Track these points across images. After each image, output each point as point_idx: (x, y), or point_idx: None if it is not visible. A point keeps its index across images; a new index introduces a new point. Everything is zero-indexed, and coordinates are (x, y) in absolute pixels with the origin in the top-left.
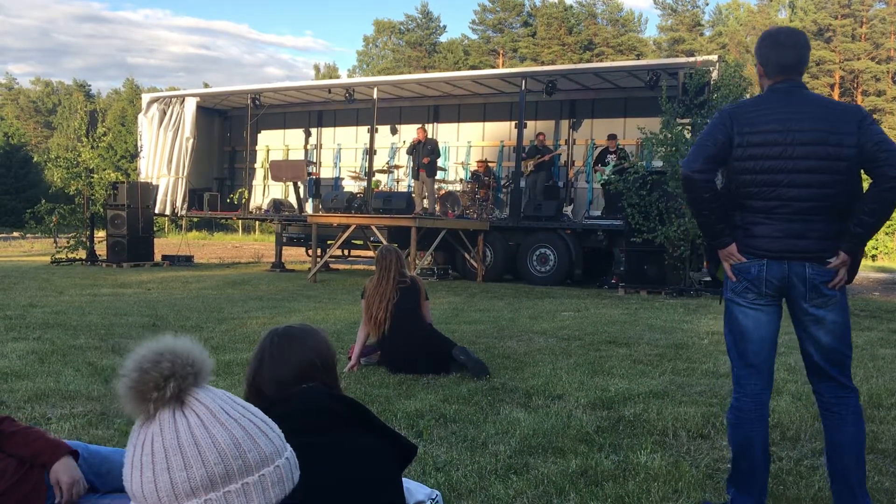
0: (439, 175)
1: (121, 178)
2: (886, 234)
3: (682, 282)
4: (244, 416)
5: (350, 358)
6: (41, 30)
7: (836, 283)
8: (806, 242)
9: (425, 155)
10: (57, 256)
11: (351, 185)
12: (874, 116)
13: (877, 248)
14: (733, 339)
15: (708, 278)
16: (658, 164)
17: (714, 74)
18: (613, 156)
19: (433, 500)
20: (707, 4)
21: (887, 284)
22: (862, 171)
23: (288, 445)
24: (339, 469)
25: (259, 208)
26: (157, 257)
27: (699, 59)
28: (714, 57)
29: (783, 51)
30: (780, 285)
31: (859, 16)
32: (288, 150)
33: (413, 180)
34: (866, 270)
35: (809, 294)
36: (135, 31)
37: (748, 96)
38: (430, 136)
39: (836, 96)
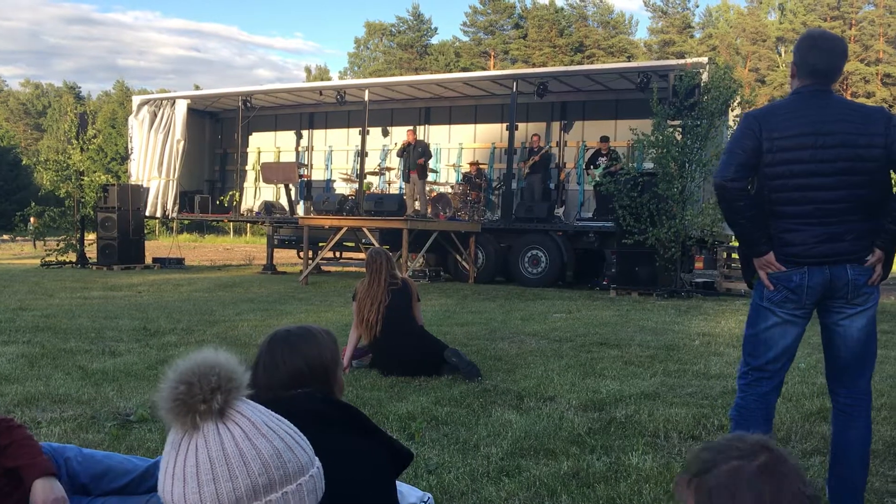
0: (431, 177)
1: (111, 180)
2: None
3: (674, 283)
4: (282, 428)
5: (342, 360)
6: (30, 32)
7: (874, 280)
8: (844, 244)
9: (417, 157)
10: (47, 259)
11: (342, 187)
12: None
13: None
14: (755, 343)
15: (699, 279)
16: (649, 165)
17: (704, 76)
18: (605, 158)
19: (425, 502)
20: (697, 7)
21: (882, 285)
22: (892, 171)
23: (316, 457)
24: (333, 474)
25: (250, 210)
26: (148, 260)
27: (689, 61)
28: (704, 59)
29: (820, 55)
30: (822, 291)
31: (848, 18)
32: (279, 152)
33: (404, 182)
34: None
35: (851, 294)
36: (124, 33)
37: (738, 98)
38: (420, 138)
39: None
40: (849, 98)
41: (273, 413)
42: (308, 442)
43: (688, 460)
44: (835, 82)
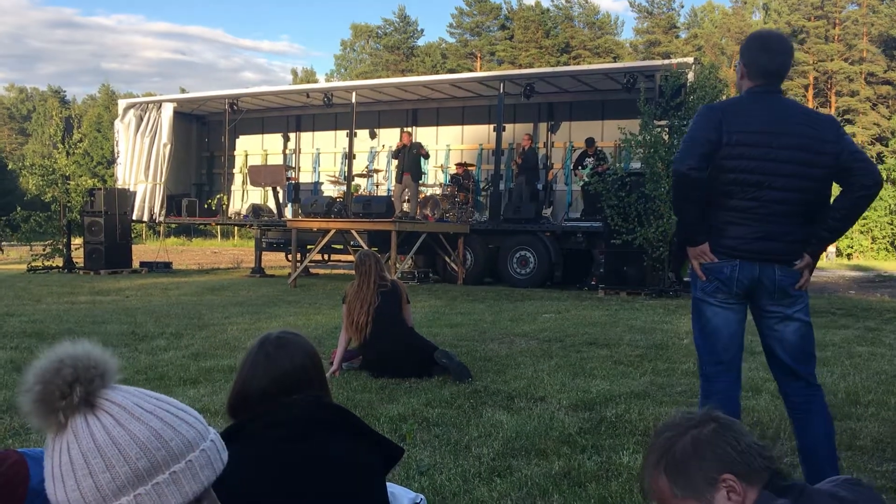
0: (420, 179)
1: (98, 184)
2: (861, 232)
3: (662, 283)
4: (160, 408)
5: (332, 363)
6: (13, 36)
7: (801, 285)
8: (778, 245)
9: (411, 159)
10: (33, 264)
11: (330, 190)
12: (848, 117)
13: (852, 248)
14: (703, 337)
15: (687, 279)
16: (636, 165)
17: (690, 76)
18: (592, 158)
19: None
20: (682, 7)
21: (863, 283)
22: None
23: (211, 428)
24: (324, 474)
25: (238, 214)
26: (136, 264)
27: (675, 61)
28: (690, 59)
29: (771, 56)
30: (749, 285)
31: (832, 17)
32: (266, 154)
33: (394, 183)
34: (842, 269)
35: (777, 295)
36: (108, 36)
37: (724, 97)
38: (413, 140)
39: (810, 97)
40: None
41: (151, 393)
42: (197, 416)
43: (648, 453)
44: (783, 81)
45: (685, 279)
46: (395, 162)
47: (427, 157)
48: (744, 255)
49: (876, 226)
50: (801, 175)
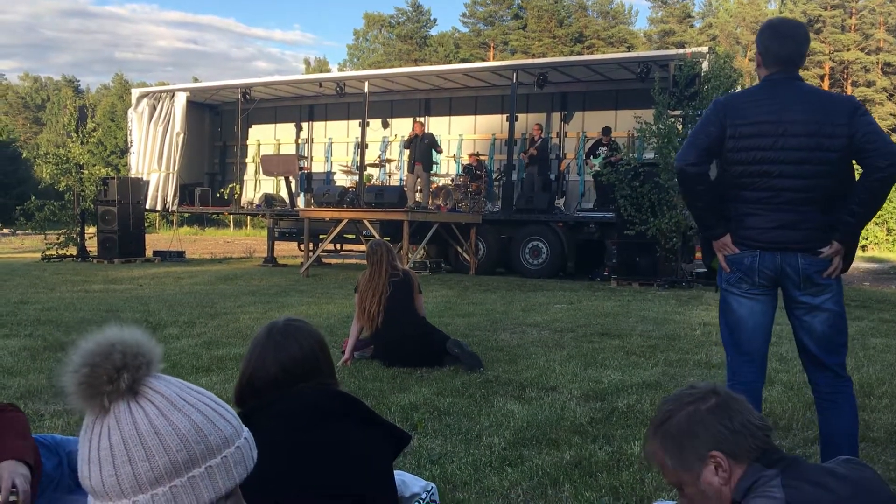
0: (432, 168)
1: (111, 173)
2: (876, 224)
3: (674, 273)
4: (201, 401)
5: (344, 352)
6: (27, 25)
7: (830, 272)
8: (797, 233)
9: (423, 150)
10: (47, 253)
11: (343, 180)
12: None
13: (867, 239)
14: (728, 328)
15: (700, 269)
16: (649, 155)
17: (704, 66)
18: (605, 148)
19: (429, 492)
20: None
21: (878, 274)
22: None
23: (244, 426)
24: (332, 462)
25: (250, 203)
26: (149, 253)
27: (689, 50)
28: (704, 48)
29: (783, 42)
30: (773, 275)
31: (849, 7)
32: (279, 144)
33: (406, 174)
34: (857, 261)
35: (803, 284)
36: (122, 25)
37: (739, 87)
38: (426, 130)
39: (825, 87)
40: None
41: (191, 385)
42: (234, 413)
43: (650, 422)
44: (800, 67)
45: (716, 270)
46: (407, 152)
47: (440, 151)
48: (763, 244)
49: (891, 217)
50: (814, 161)
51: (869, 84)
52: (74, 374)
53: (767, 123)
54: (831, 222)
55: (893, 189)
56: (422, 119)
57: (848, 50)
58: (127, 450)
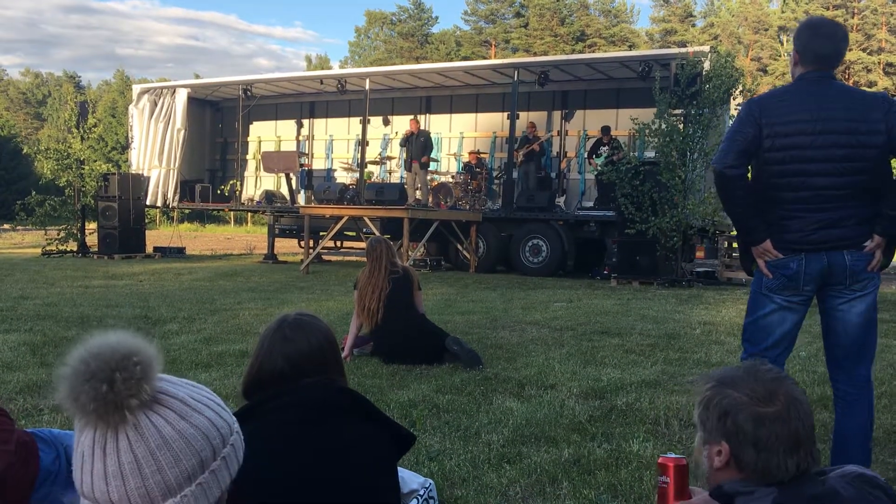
0: (432, 166)
1: (112, 169)
2: None
3: (674, 272)
4: (205, 396)
5: (343, 349)
6: (29, 21)
7: (873, 266)
8: (842, 230)
9: (418, 147)
10: (48, 248)
11: (343, 177)
12: None
13: None
14: (754, 329)
15: (700, 269)
16: (650, 154)
17: (706, 65)
18: (606, 147)
19: (427, 489)
20: None
21: (883, 275)
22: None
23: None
24: (336, 458)
25: (251, 200)
26: (149, 249)
27: (691, 49)
28: (706, 48)
29: (822, 41)
30: (819, 278)
31: (851, 7)
32: (280, 141)
33: (405, 172)
34: None
35: (849, 280)
36: (123, 21)
37: (740, 87)
38: (422, 127)
39: None
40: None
41: (189, 381)
42: (223, 404)
43: (728, 369)
44: (837, 67)
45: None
46: (404, 150)
47: (431, 149)
48: (808, 247)
49: None
50: (852, 157)
51: (870, 84)
52: (92, 390)
53: (804, 122)
54: (872, 215)
55: None
56: (417, 117)
57: (850, 50)
58: (155, 459)
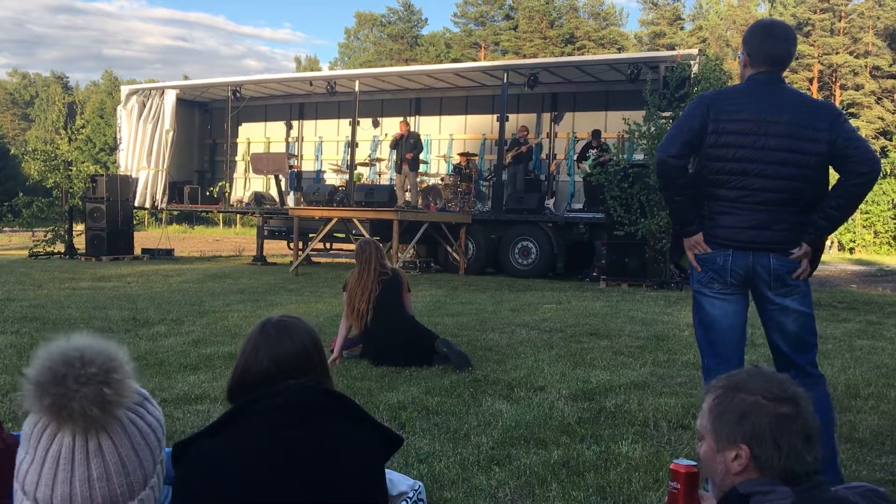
0: (421, 168)
1: (100, 170)
2: (864, 227)
3: (663, 274)
4: (146, 394)
5: (332, 351)
6: (15, 21)
7: (799, 274)
8: (771, 234)
9: (408, 149)
10: (35, 250)
11: (333, 178)
12: (852, 111)
13: (854, 241)
14: (702, 329)
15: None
16: (639, 156)
17: (695, 68)
18: (595, 150)
19: (416, 491)
20: None
21: (865, 276)
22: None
23: None
24: (323, 461)
25: (240, 201)
26: (137, 251)
27: (680, 52)
28: (695, 51)
29: (775, 43)
30: (744, 275)
31: (838, 10)
32: (269, 142)
33: (395, 173)
34: (844, 263)
35: (774, 284)
36: (110, 22)
37: None
38: (412, 129)
39: (814, 90)
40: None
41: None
42: None
43: (733, 374)
44: (786, 69)
45: (686, 270)
46: (394, 151)
47: (420, 150)
48: (736, 244)
49: (878, 220)
50: (792, 163)
51: (857, 87)
52: (68, 392)
53: (750, 122)
54: (802, 223)
55: (880, 192)
56: (407, 119)
57: (837, 53)
58: (137, 454)
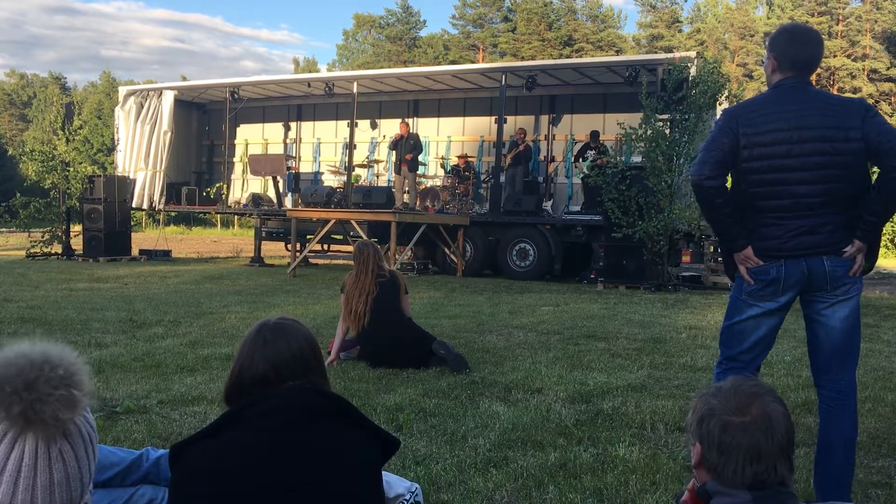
0: (420, 170)
1: (97, 171)
2: None
3: (661, 277)
4: None
5: (330, 352)
6: (13, 21)
7: (855, 271)
8: (820, 237)
9: (408, 150)
10: (32, 251)
11: (331, 180)
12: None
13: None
14: (729, 334)
15: (686, 273)
16: (637, 159)
17: (692, 70)
18: (593, 151)
19: (413, 493)
20: (686, 1)
21: (868, 279)
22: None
23: None
24: (320, 463)
25: (238, 202)
26: (135, 252)
27: (678, 55)
28: (692, 53)
29: (800, 47)
30: (799, 284)
31: (836, 13)
32: (267, 144)
33: (394, 175)
34: None
35: (830, 286)
36: (107, 23)
37: (726, 92)
38: (411, 130)
39: None
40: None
41: None
42: None
43: (718, 385)
44: (814, 72)
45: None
46: (394, 153)
47: (420, 152)
48: (787, 253)
49: None
50: (830, 165)
51: (855, 91)
52: (59, 393)
53: (781, 131)
54: (851, 221)
55: None
56: (405, 120)
57: (834, 56)
58: (87, 457)
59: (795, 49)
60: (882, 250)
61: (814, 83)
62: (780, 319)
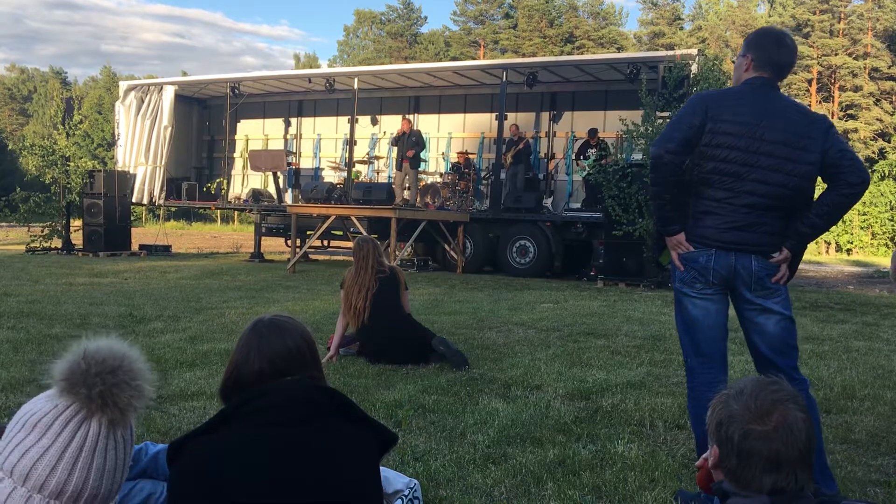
0: (420, 166)
1: (98, 166)
2: (861, 228)
3: (661, 274)
4: None
5: (329, 348)
6: (13, 16)
7: (779, 278)
8: (754, 236)
9: (410, 146)
10: (32, 245)
11: (331, 176)
12: (851, 112)
13: (852, 243)
14: (685, 328)
15: (669, 267)
16: (638, 156)
17: (694, 68)
18: (594, 149)
19: (411, 489)
20: None
21: (862, 278)
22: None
23: None
24: (317, 458)
25: (238, 198)
26: (135, 247)
27: (679, 52)
28: (694, 51)
29: (786, 52)
30: (726, 275)
31: (837, 11)
32: (267, 139)
33: (395, 171)
34: (841, 264)
35: (754, 286)
36: (107, 18)
37: None
38: (413, 127)
39: (813, 92)
40: (836, 90)
41: None
42: None
43: (733, 385)
44: (783, 79)
45: (666, 267)
46: (395, 149)
47: (423, 148)
48: (718, 244)
49: (876, 221)
50: (783, 170)
51: (856, 89)
52: (136, 384)
53: (747, 124)
54: (785, 229)
55: (878, 194)
56: (407, 116)
57: (836, 54)
58: (129, 451)
59: (781, 53)
60: (882, 249)
61: (813, 82)
62: (721, 304)
